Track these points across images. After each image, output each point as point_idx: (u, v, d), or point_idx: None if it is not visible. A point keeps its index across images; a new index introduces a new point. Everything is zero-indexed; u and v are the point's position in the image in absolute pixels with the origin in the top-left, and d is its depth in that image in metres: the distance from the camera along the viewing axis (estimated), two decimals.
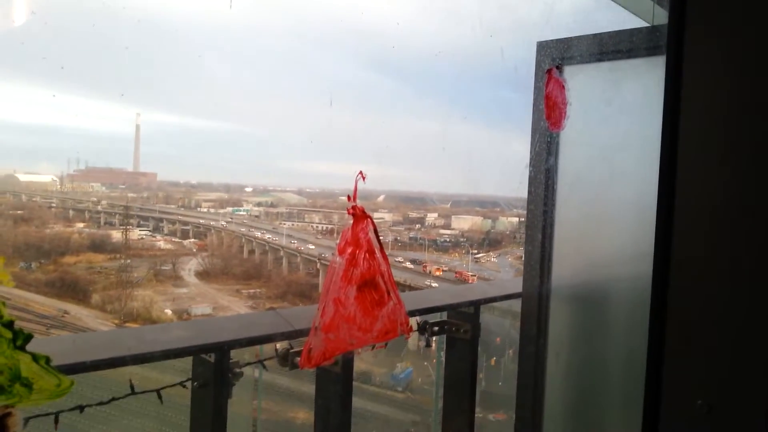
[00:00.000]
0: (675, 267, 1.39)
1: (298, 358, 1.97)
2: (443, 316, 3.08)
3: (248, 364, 2.21)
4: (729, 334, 1.36)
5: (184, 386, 2.07)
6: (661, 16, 2.43)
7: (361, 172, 1.73)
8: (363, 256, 1.81)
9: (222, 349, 2.03)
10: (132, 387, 1.94)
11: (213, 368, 2.02)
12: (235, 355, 2.12)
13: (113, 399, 1.93)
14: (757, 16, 1.35)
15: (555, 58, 2.51)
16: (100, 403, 1.92)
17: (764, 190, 1.33)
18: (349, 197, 1.77)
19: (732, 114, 1.38)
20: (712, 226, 1.39)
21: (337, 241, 1.85)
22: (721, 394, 1.36)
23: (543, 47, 2.58)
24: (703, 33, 1.38)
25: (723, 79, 1.38)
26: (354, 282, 1.80)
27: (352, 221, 1.81)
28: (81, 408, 1.86)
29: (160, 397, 1.99)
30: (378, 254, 1.84)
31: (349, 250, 1.80)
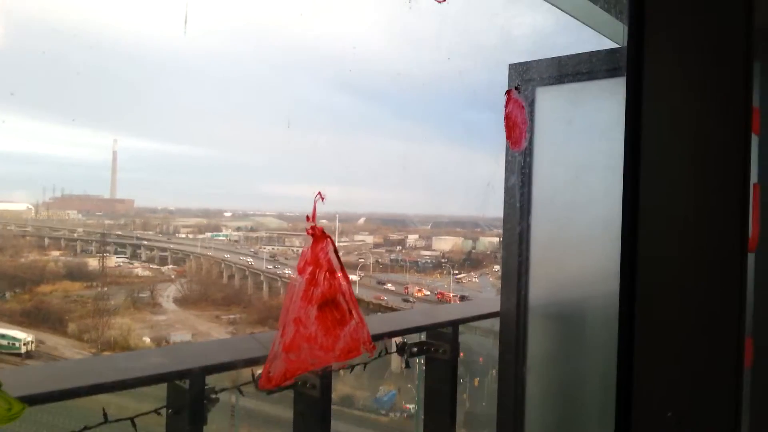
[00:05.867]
0: (640, 282, 1.42)
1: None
2: (422, 336, 3.08)
3: (224, 389, 2.18)
4: (697, 346, 1.39)
5: (159, 413, 2.04)
6: None
7: (319, 193, 1.75)
8: (323, 275, 1.81)
9: (194, 374, 2.00)
10: (105, 415, 1.90)
11: (187, 394, 1.99)
12: (212, 381, 2.10)
13: (85, 428, 1.89)
14: (715, 35, 1.39)
15: (527, 79, 2.56)
16: None
17: (727, 206, 1.36)
18: (308, 217, 1.79)
19: (692, 133, 1.42)
20: (677, 241, 1.41)
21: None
22: (691, 405, 1.38)
23: (515, 69, 2.63)
24: (661, 53, 1.42)
25: (682, 97, 1.42)
26: (314, 301, 1.80)
27: (311, 241, 1.83)
28: None
29: (134, 425, 1.95)
30: (339, 273, 1.85)
31: (309, 269, 1.81)
